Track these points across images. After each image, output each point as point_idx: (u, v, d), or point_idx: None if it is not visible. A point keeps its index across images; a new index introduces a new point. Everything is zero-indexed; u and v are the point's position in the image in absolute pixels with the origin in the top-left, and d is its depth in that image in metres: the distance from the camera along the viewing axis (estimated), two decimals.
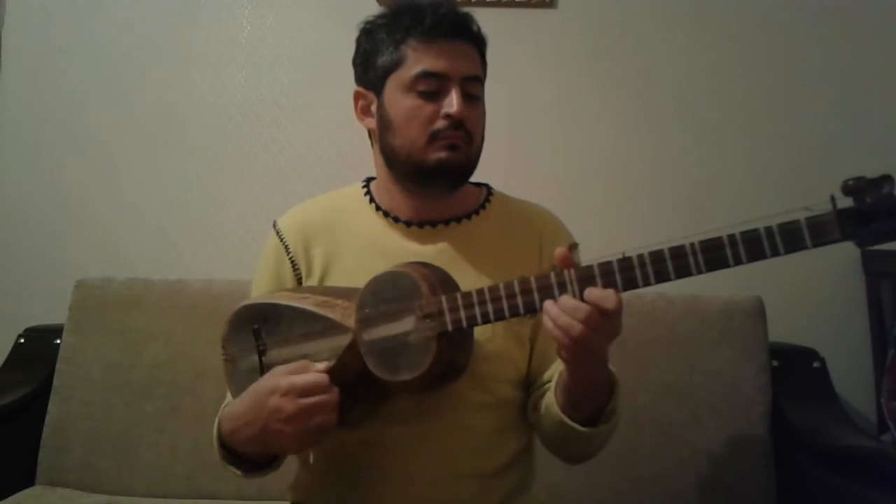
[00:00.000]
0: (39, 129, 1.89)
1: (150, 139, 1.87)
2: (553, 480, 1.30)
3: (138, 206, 1.86)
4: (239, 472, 0.97)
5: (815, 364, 1.60)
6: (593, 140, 1.81)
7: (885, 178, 0.71)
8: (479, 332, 0.97)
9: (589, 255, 0.90)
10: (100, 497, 1.50)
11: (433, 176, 0.98)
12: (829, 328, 1.73)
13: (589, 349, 0.80)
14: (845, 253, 1.74)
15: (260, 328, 0.95)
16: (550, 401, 0.95)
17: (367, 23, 1.03)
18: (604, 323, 0.78)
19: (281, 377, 0.87)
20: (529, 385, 1.05)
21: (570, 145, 1.82)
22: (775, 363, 1.56)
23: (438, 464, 0.97)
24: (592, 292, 0.78)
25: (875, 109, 1.76)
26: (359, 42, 1.05)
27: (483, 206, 1.08)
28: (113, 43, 1.89)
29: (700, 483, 1.48)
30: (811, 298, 1.75)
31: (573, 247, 1.07)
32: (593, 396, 0.91)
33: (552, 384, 0.96)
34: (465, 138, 0.97)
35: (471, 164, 1.01)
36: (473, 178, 1.06)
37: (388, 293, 0.88)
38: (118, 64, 1.88)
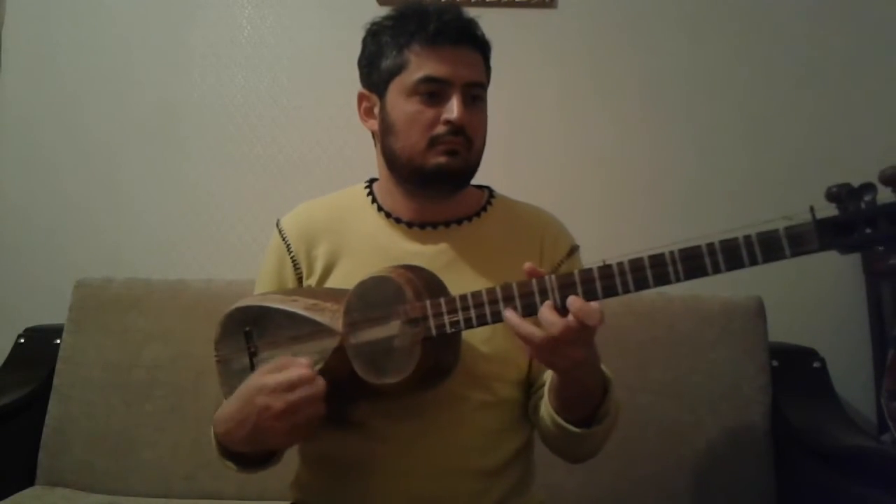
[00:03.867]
0: (39, 129, 1.89)
1: (150, 139, 1.87)
2: (553, 480, 1.30)
3: (138, 206, 1.86)
4: (237, 469, 0.97)
5: (815, 364, 1.61)
6: (593, 140, 1.81)
7: (868, 187, 0.71)
8: (480, 331, 0.97)
9: (588, 256, 0.89)
10: (100, 497, 1.50)
11: (432, 180, 0.99)
12: (829, 328, 1.73)
13: (560, 356, 0.81)
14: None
15: (251, 330, 0.96)
16: (545, 402, 0.95)
17: (374, 24, 1.04)
18: (576, 336, 0.78)
19: (266, 375, 0.88)
20: (530, 385, 1.05)
21: (570, 145, 1.82)
22: (775, 363, 1.56)
23: (438, 460, 0.97)
24: (575, 304, 0.78)
25: (875, 111, 1.76)
26: (365, 44, 1.05)
27: (484, 209, 1.08)
28: (113, 43, 1.89)
29: (700, 483, 1.48)
30: (811, 298, 1.75)
31: (574, 249, 1.07)
32: (584, 399, 0.92)
33: (546, 386, 0.96)
34: (465, 144, 0.98)
35: (470, 168, 1.01)
36: (475, 180, 1.06)
37: (373, 297, 0.89)
38: (118, 64, 1.88)
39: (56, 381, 1.61)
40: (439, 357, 0.89)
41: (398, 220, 1.05)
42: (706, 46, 1.81)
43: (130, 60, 1.88)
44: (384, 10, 1.05)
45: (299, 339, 0.92)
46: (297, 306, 0.95)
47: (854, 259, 1.74)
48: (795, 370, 1.59)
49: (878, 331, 1.69)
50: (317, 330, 0.92)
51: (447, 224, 1.05)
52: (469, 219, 1.06)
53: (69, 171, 1.88)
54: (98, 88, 1.88)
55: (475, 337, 0.97)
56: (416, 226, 1.04)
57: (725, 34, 1.81)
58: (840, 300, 1.75)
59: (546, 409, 0.95)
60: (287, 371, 0.87)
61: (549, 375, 0.99)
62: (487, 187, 1.13)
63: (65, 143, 1.88)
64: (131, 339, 1.61)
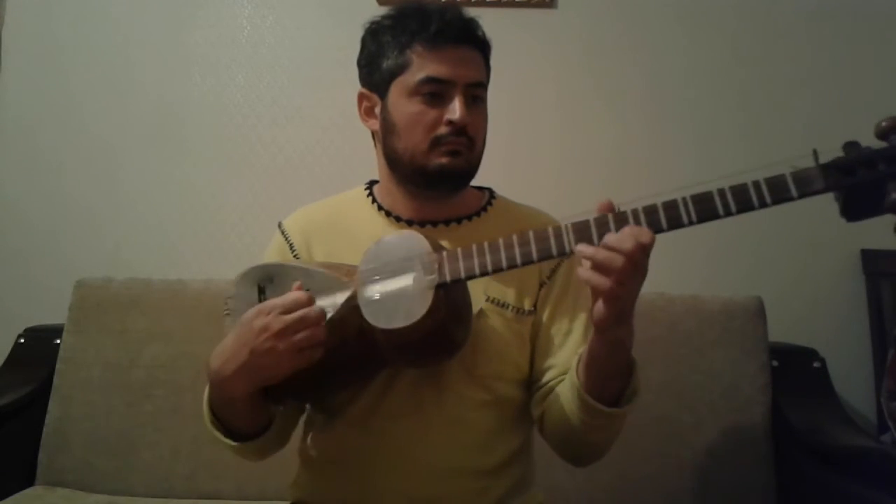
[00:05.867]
0: (39, 129, 1.89)
1: (150, 139, 1.87)
2: (553, 481, 1.30)
3: (138, 206, 1.86)
4: (229, 440, 0.98)
5: (815, 364, 1.60)
6: (593, 140, 1.81)
7: (853, 145, 0.79)
8: (479, 329, 0.98)
9: None
10: (100, 497, 1.50)
11: (434, 180, 0.99)
12: (829, 328, 1.73)
13: (626, 291, 0.79)
14: (845, 253, 1.75)
15: (265, 286, 0.97)
16: (569, 387, 0.94)
17: (373, 23, 1.04)
18: (641, 258, 0.78)
19: (265, 302, 0.89)
20: (531, 384, 1.05)
21: (570, 145, 1.82)
22: (775, 363, 1.56)
23: (438, 459, 0.97)
24: (625, 229, 0.78)
25: (873, 109, 1.75)
26: (364, 43, 1.05)
27: (485, 209, 1.09)
28: (113, 43, 1.89)
29: (700, 483, 1.48)
30: (811, 298, 1.75)
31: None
32: (620, 371, 0.90)
33: (572, 370, 0.94)
34: (467, 144, 0.98)
35: (472, 168, 1.02)
36: (476, 182, 1.07)
37: (391, 254, 0.90)
38: (118, 64, 1.89)
39: (56, 381, 1.61)
40: (450, 316, 0.88)
41: (398, 219, 1.05)
42: (706, 46, 1.81)
43: (130, 61, 1.88)
44: (384, 10, 1.05)
45: (313, 293, 0.91)
46: (312, 265, 0.98)
47: (854, 259, 1.74)
48: (795, 370, 1.59)
49: (878, 331, 1.69)
50: (330, 283, 0.93)
51: (447, 223, 1.05)
52: (469, 218, 1.07)
53: (69, 171, 1.88)
54: (98, 89, 1.88)
55: (475, 335, 0.97)
56: (417, 224, 1.05)
57: (725, 34, 1.81)
58: (840, 300, 1.75)
59: (573, 391, 0.92)
60: (285, 296, 0.88)
61: (558, 372, 1.00)
62: (489, 189, 1.13)
63: (65, 143, 1.88)
64: (131, 339, 1.61)
